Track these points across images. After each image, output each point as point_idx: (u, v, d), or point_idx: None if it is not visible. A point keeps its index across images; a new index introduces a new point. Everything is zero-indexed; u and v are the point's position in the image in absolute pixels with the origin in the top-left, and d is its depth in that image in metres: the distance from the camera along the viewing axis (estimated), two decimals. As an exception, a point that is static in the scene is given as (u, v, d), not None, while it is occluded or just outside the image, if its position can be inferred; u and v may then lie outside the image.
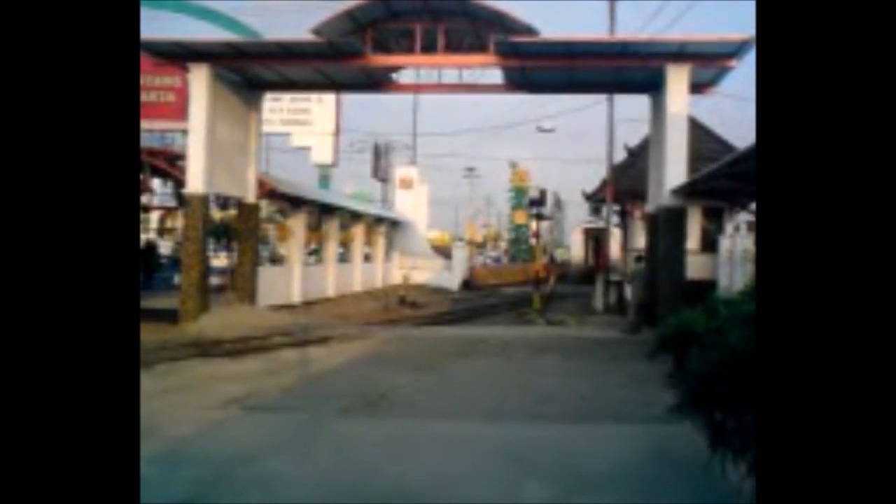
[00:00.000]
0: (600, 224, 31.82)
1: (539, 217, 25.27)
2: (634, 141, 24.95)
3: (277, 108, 24.71)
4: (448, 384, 9.97)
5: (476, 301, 27.59)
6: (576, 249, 43.09)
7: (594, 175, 49.94)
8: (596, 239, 36.72)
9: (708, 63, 15.76)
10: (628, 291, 20.67)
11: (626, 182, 22.54)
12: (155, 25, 25.79)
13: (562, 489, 5.40)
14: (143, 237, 29.02)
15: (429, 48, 16.43)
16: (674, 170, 15.71)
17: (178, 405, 8.23)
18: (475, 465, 5.97)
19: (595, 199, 27.22)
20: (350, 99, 27.39)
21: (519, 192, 55.21)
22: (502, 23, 15.71)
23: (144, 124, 27.36)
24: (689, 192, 15.90)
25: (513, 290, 32.85)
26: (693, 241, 17.84)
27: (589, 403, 8.62)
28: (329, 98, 26.46)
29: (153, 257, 23.42)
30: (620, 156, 24.55)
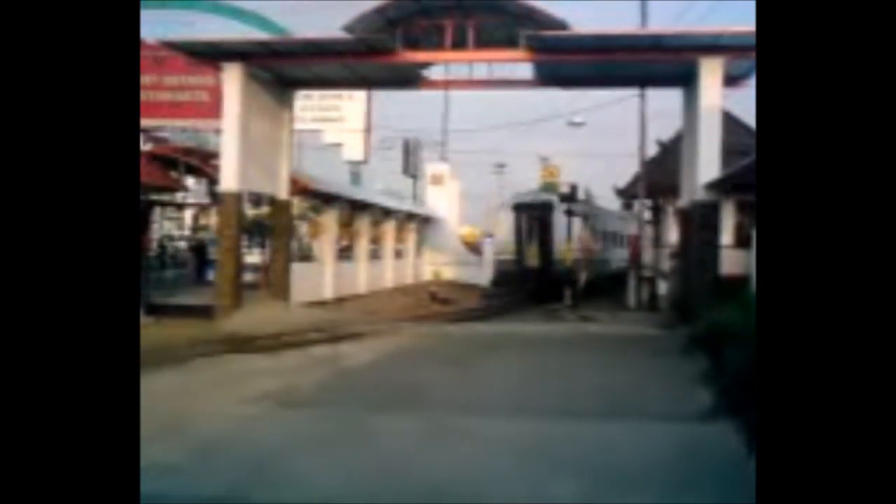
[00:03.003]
0: (544, 197, 27.94)
1: (570, 213, 25.10)
2: (667, 135, 24.66)
3: (309, 105, 24.85)
4: (479, 380, 9.98)
5: (507, 297, 27.54)
6: (504, 234, 31.39)
7: (625, 170, 49.50)
8: (540, 221, 26.66)
9: (742, 55, 15.51)
10: (661, 287, 20.46)
11: (658, 177, 22.29)
12: (189, 27, 26.16)
13: (592, 486, 5.37)
14: (194, 236, 29.43)
15: (459, 44, 16.40)
16: (707, 164, 15.50)
17: (214, 400, 8.35)
18: (506, 462, 5.97)
19: (627, 195, 26.97)
20: (381, 96, 27.46)
21: (549, 187, 55.00)
22: (533, 18, 15.62)
23: (179, 123, 27.76)
24: (723, 186, 15.68)
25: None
26: (727, 236, 17.60)
27: (621, 400, 8.56)
28: (360, 95, 26.55)
29: (204, 255, 23.75)
30: (653, 150, 24.28)
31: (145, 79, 26.57)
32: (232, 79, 17.02)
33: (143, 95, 26.56)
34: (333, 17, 16.36)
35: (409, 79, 18.89)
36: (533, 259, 26.35)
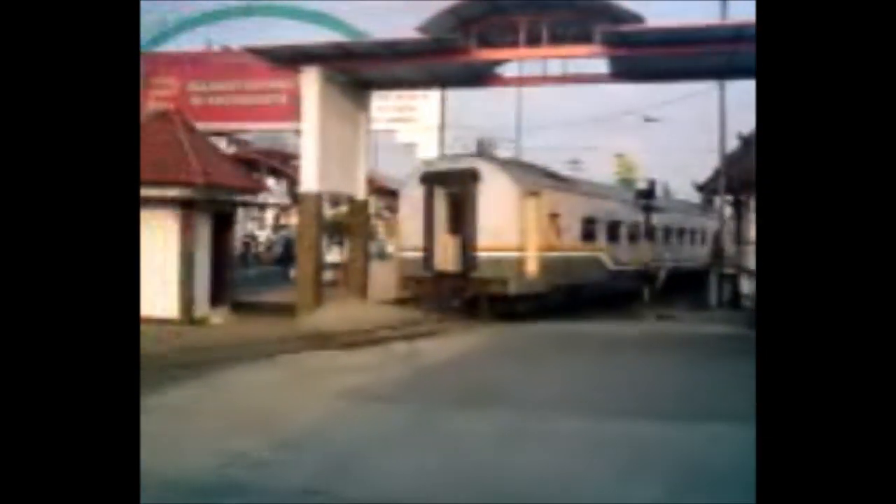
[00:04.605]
0: (467, 163, 17.75)
1: (648, 209, 24.61)
2: (748, 129, 23.89)
3: (384, 106, 25.18)
4: (555, 379, 9.95)
5: (581, 295, 27.17)
6: (408, 225, 18.24)
7: (705, 165, 48.17)
8: (459, 200, 17.15)
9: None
10: (744, 285, 19.86)
11: (740, 172, 21.62)
12: (268, 31, 26.89)
13: (671, 487, 5.31)
14: (283, 235, 30.21)
15: (533, 41, 16.34)
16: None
17: (299, 395, 8.61)
18: (584, 461, 5.96)
19: (707, 190, 26.25)
20: (455, 94, 27.59)
21: (626, 183, 54.08)
22: (607, 12, 15.43)
23: (259, 126, 28.58)
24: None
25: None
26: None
27: (702, 401, 8.39)
28: (434, 94, 26.75)
29: (292, 254, 24.44)
30: (734, 144, 23.56)
31: (228, 84, 27.55)
32: (310, 82, 17.43)
33: (226, 100, 27.56)
34: (408, 19, 16.59)
35: (482, 77, 18.94)
36: (447, 258, 16.98)
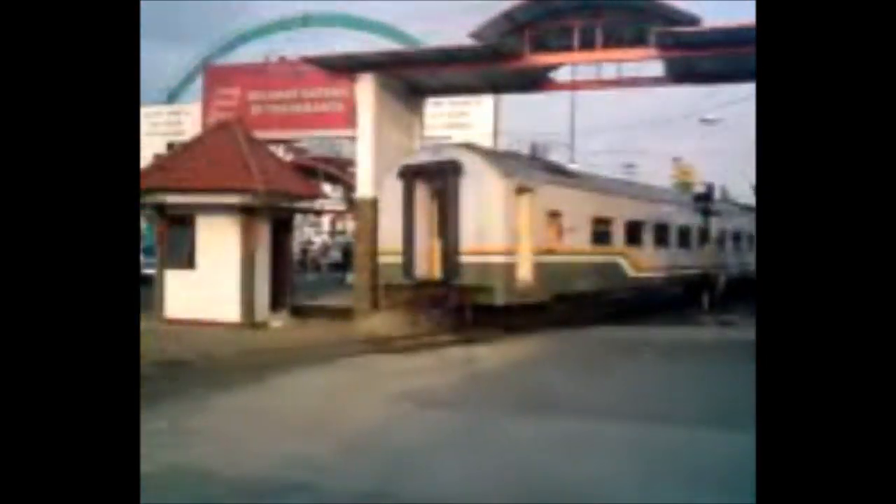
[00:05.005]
0: (449, 154, 15.14)
1: (707, 213, 24.16)
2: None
3: (438, 112, 25.40)
4: (614, 386, 9.87)
5: (639, 299, 26.85)
6: (386, 226, 15.94)
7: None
8: (442, 196, 14.95)
9: None
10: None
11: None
12: (323, 41, 27.41)
13: (732, 496, 5.26)
14: (340, 240, 30.74)
15: (587, 44, 16.29)
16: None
17: (358, 399, 8.75)
18: (645, 470, 5.92)
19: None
20: (508, 99, 27.62)
21: (683, 187, 53.09)
22: (663, 14, 15.28)
23: (315, 133, 29.14)
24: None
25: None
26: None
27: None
28: (487, 100, 26.86)
29: (349, 259, 24.82)
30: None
31: (286, 94, 28.25)
32: (365, 89, 17.72)
33: (285, 109, 28.24)
34: (462, 25, 16.70)
35: (536, 82, 18.94)
36: (428, 264, 14.90)
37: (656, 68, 17.54)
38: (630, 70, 17.62)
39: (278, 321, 15.47)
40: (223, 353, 11.77)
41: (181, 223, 15.85)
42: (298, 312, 16.25)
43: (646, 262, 19.40)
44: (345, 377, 10.19)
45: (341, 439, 6.80)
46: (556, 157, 40.61)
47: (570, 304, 15.94)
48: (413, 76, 18.50)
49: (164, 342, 12.80)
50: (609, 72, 17.67)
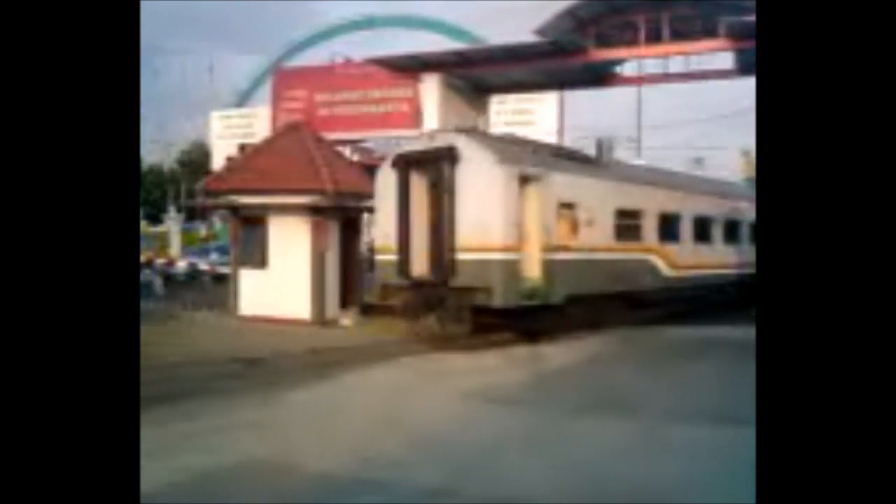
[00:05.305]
0: (443, 140, 13.35)
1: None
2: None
3: (502, 109, 25.42)
4: (681, 387, 9.71)
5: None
6: (382, 220, 14.34)
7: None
8: (436, 186, 13.32)
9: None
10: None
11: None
12: (387, 42, 27.76)
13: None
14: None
15: (653, 38, 16.07)
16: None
17: (425, 396, 8.89)
18: (715, 472, 5.86)
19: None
20: (573, 95, 27.42)
21: (753, 181, 51.54)
22: (732, 4, 14.94)
23: (381, 133, 29.53)
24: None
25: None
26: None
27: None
28: (551, 97, 26.74)
29: None
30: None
31: (352, 95, 28.74)
32: (430, 89, 17.91)
33: (351, 110, 28.74)
34: (526, 22, 16.69)
35: (601, 77, 18.79)
36: (424, 262, 13.46)
37: (726, 60, 17.16)
38: (699, 63, 17.29)
39: (348, 319, 15.78)
40: (295, 350, 12.10)
41: (254, 223, 16.33)
42: (367, 310, 16.54)
43: (685, 260, 17.40)
44: (410, 375, 10.35)
45: (410, 436, 6.92)
46: (623, 153, 40.07)
47: (589, 307, 14.26)
48: (477, 74, 18.59)
49: (240, 339, 13.24)
50: (677, 65, 17.39)
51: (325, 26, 32.36)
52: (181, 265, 29.85)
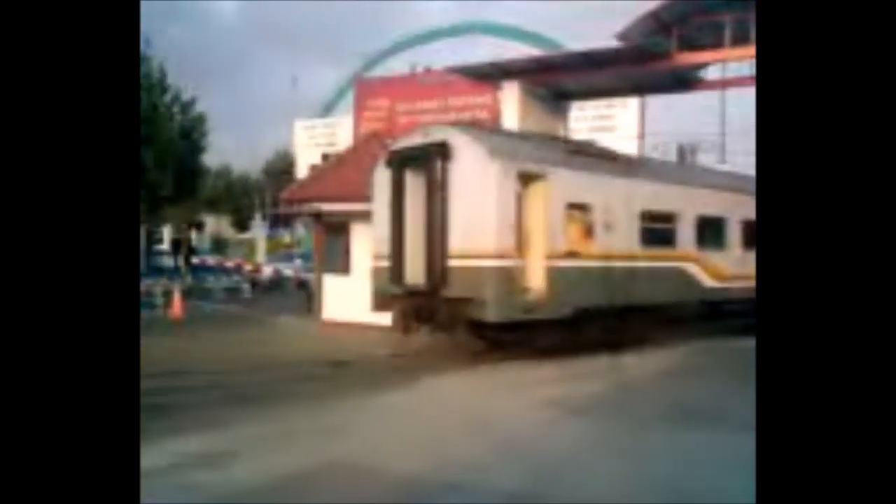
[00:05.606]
0: (437, 135, 12.19)
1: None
2: None
3: (582, 116, 25.20)
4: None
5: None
6: (378, 223, 13.20)
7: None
8: (429, 183, 11.90)
9: None
10: None
11: None
12: (466, 49, 27.98)
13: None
14: None
15: (740, 40, 15.62)
16: None
17: (506, 405, 8.88)
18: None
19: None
20: (655, 101, 26.92)
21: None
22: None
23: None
24: None
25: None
26: None
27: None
28: (633, 102, 26.32)
29: None
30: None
31: (432, 103, 29.08)
32: (510, 96, 17.94)
33: (431, 118, 29.04)
34: (605, 27, 16.55)
35: (685, 81, 18.38)
36: (419, 270, 12.00)
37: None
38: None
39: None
40: (378, 354, 12.32)
41: (337, 230, 16.73)
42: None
43: (730, 270, 15.42)
44: (490, 383, 10.34)
45: (492, 443, 6.95)
46: (706, 158, 39.02)
47: (607, 322, 12.79)
48: (558, 81, 18.50)
49: (325, 343, 13.55)
50: (765, 67, 16.85)
51: (406, 36, 32.90)
52: (267, 271, 30.77)
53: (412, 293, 11.95)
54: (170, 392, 9.15)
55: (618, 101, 25.91)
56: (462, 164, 11.42)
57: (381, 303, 12.83)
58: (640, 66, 16.90)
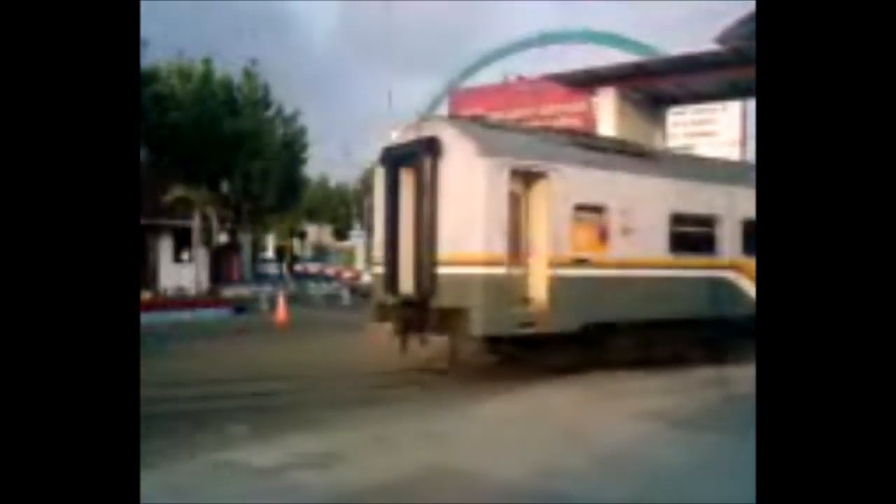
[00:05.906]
0: (428, 130, 11.06)
1: None
2: None
3: (681, 121, 24.69)
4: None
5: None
6: (376, 227, 12.68)
7: None
8: (419, 181, 10.83)
9: None
10: None
11: None
12: (557, 56, 27.89)
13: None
14: None
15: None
16: None
17: (606, 416, 8.84)
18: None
19: None
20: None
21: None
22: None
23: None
24: None
25: None
26: None
27: None
28: (734, 106, 25.57)
29: None
30: None
31: (525, 111, 29.15)
32: (606, 102, 17.89)
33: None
34: (702, 30, 16.23)
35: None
36: (409, 277, 11.03)
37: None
38: None
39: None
40: (471, 362, 12.45)
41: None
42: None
43: None
44: (590, 393, 10.25)
45: (596, 454, 6.95)
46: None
47: (626, 338, 11.51)
48: (655, 86, 18.27)
49: (422, 350, 13.79)
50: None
51: (500, 44, 33.11)
52: (366, 278, 31.58)
53: (406, 303, 10.95)
54: (283, 394, 9.67)
55: (718, 105, 25.27)
56: (451, 161, 10.39)
57: (379, 314, 11.75)
58: (740, 70, 16.48)
